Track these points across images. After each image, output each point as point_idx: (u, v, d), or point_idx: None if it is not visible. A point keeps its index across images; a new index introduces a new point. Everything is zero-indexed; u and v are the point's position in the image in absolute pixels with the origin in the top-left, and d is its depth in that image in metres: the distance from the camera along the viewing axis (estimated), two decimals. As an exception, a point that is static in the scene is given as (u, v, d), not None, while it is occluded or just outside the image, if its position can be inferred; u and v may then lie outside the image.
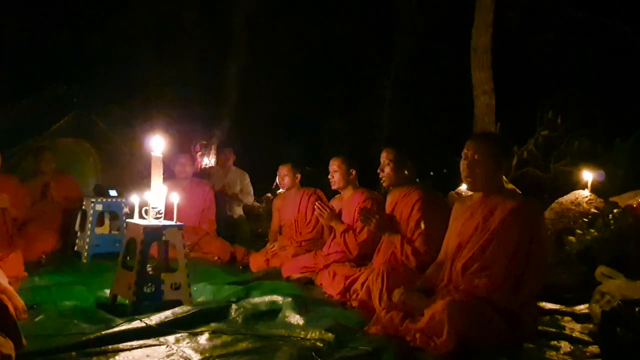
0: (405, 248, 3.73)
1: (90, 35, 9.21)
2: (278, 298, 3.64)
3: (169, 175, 5.86)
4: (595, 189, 5.37)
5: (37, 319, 3.15)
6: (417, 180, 4.10)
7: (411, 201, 3.86)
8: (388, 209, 4.05)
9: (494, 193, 3.10)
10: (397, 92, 11.33)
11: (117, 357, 2.66)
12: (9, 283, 3.50)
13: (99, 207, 5.42)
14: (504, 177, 5.90)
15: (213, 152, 8.79)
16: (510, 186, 5.97)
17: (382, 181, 4.11)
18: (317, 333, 2.99)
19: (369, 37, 10.98)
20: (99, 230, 5.51)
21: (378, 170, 4.10)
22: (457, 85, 8.47)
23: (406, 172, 4.02)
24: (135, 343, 2.83)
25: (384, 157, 4.07)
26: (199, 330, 3.08)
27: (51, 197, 5.72)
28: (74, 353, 2.65)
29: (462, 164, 3.15)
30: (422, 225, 3.72)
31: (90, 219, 5.36)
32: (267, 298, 3.66)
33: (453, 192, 6.41)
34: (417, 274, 3.50)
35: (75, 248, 5.49)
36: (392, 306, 3.12)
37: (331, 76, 11.12)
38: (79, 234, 5.48)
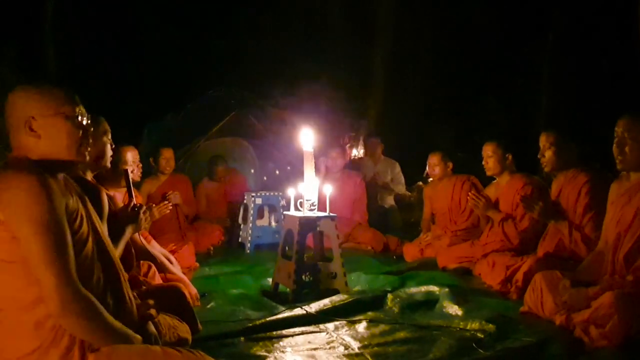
0: (575, 235, 3.50)
1: (242, 39, 9.77)
2: (435, 288, 3.59)
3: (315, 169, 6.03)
4: None
5: (208, 306, 3.40)
6: (584, 162, 3.79)
7: (578, 185, 3.61)
8: (554, 195, 3.81)
9: None
10: (556, 67, 10.48)
11: (281, 343, 2.78)
12: (183, 273, 3.84)
13: (259, 201, 5.76)
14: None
15: (361, 143, 8.85)
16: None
17: (543, 167, 3.86)
18: (477, 324, 2.90)
19: (522, 10, 10.28)
20: (259, 223, 5.86)
21: (538, 156, 3.86)
22: (622, 58, 7.64)
23: (569, 154, 3.75)
24: (297, 329, 2.95)
25: (543, 140, 3.83)
26: (356, 318, 3.14)
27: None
28: (242, 338, 2.82)
29: (614, 143, 2.89)
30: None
31: (252, 212, 5.71)
32: (423, 288, 3.63)
33: (624, 172, 5.81)
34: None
35: (240, 239, 5.87)
36: (556, 311, 2.93)
37: (482, 54, 10.51)
38: (242, 226, 5.85)
